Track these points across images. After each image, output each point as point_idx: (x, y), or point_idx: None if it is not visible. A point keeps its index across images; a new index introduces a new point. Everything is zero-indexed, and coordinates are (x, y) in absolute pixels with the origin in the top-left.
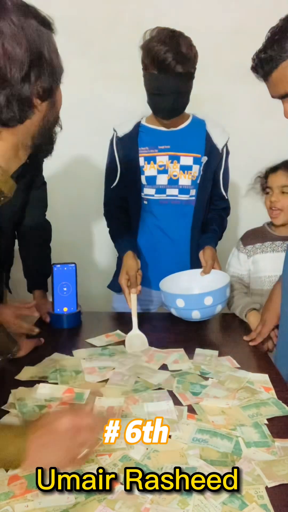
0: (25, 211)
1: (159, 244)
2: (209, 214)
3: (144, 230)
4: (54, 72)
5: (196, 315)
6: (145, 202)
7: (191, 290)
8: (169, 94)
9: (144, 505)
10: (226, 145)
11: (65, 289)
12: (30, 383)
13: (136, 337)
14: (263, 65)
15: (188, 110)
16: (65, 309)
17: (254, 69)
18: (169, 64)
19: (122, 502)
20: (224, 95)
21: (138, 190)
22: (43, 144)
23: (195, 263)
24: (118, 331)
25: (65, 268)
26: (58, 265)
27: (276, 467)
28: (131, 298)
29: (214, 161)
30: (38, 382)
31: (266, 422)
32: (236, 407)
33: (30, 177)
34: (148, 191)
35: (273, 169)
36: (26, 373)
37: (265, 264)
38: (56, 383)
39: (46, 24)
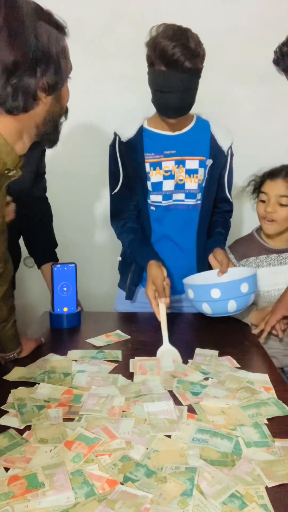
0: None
1: (164, 249)
2: (213, 217)
3: (149, 233)
4: (60, 70)
5: (232, 306)
6: (153, 208)
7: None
8: (176, 91)
9: (144, 505)
10: (230, 146)
11: (65, 289)
12: (30, 384)
13: (167, 352)
14: (285, 58)
15: (192, 110)
16: (65, 309)
17: (276, 61)
18: (177, 59)
19: (122, 502)
20: (224, 96)
21: (144, 196)
22: (47, 133)
23: (202, 269)
24: (118, 331)
25: (65, 268)
26: (58, 265)
27: (276, 467)
28: (160, 309)
29: (219, 164)
30: (25, 383)
31: (266, 422)
32: (236, 407)
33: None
34: (155, 198)
35: (271, 175)
36: (15, 374)
37: (262, 279)
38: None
39: (59, 27)
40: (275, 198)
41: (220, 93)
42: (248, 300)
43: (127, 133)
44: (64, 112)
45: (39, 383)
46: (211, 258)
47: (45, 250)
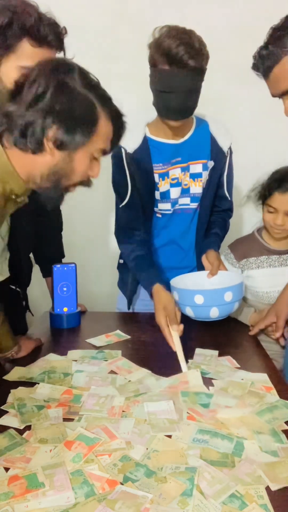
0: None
1: (168, 252)
2: (211, 217)
3: (156, 241)
4: (75, 131)
5: (214, 313)
6: (159, 215)
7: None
8: (179, 91)
9: (144, 505)
10: (230, 146)
11: (65, 289)
12: (30, 384)
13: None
14: (264, 61)
15: None
16: (65, 309)
17: (255, 66)
18: (181, 58)
19: (122, 502)
20: (224, 96)
21: (152, 205)
22: (47, 188)
23: (201, 268)
24: (118, 331)
25: (65, 268)
26: (58, 265)
27: (279, 469)
28: (174, 338)
29: (220, 164)
30: (25, 383)
31: (286, 427)
32: (252, 415)
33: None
34: (163, 206)
35: (281, 187)
36: (15, 374)
37: (262, 280)
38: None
39: (98, 96)
40: (283, 212)
41: (220, 93)
42: (232, 308)
43: (132, 144)
44: (77, 179)
45: (38, 383)
46: (203, 259)
47: (52, 261)
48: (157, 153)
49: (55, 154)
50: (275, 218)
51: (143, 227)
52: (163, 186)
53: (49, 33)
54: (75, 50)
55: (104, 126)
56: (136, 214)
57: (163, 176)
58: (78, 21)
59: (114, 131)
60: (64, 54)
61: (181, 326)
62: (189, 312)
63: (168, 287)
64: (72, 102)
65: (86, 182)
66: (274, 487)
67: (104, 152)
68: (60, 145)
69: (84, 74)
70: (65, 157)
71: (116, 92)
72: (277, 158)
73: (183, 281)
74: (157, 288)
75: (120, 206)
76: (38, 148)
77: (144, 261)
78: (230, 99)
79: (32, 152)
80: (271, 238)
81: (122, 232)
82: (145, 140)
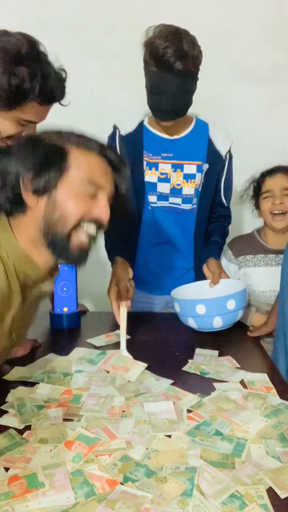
0: None
1: (162, 250)
2: (210, 225)
3: (148, 236)
4: (41, 174)
5: (217, 322)
6: (150, 207)
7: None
8: (167, 93)
9: (144, 505)
10: (229, 150)
11: (65, 289)
12: (30, 384)
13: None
14: None
15: (191, 110)
16: (65, 309)
17: None
18: (167, 59)
19: (122, 502)
20: (224, 96)
21: (142, 193)
22: (54, 241)
23: (199, 272)
24: (118, 331)
25: (65, 268)
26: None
27: (284, 476)
28: (121, 313)
29: (216, 168)
30: (25, 383)
31: None
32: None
33: None
34: (150, 198)
35: (270, 172)
36: (15, 373)
37: (259, 278)
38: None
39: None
40: (279, 192)
41: (220, 93)
42: (235, 317)
43: (127, 127)
44: (76, 220)
45: (38, 383)
46: (204, 268)
47: None
48: (149, 142)
49: (38, 203)
50: (273, 200)
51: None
52: (149, 176)
53: (56, 92)
54: (75, 50)
55: (81, 157)
56: None
57: (151, 166)
58: (78, 21)
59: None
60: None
61: (129, 302)
62: (192, 323)
63: (131, 262)
64: (34, 150)
65: (101, 224)
66: (283, 495)
67: (98, 186)
68: (35, 192)
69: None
70: (47, 201)
71: (117, 90)
72: (276, 158)
73: (185, 292)
74: (117, 260)
75: None
76: (22, 204)
77: (113, 234)
78: (229, 99)
79: (12, 213)
80: (269, 237)
81: None
82: (140, 127)
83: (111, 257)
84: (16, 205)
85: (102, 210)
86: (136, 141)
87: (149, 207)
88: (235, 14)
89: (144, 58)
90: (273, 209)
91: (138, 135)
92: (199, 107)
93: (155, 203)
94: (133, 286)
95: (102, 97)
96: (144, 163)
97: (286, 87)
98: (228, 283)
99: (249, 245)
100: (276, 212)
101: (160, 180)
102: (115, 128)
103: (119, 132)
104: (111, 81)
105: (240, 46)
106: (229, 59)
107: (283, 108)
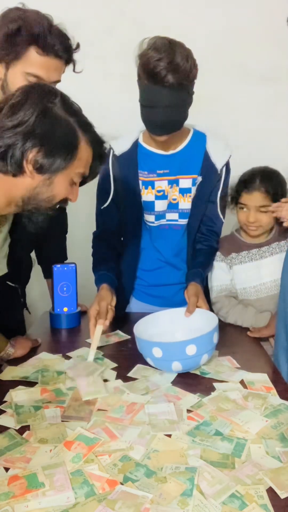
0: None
1: (163, 273)
2: (197, 245)
3: (144, 254)
4: (55, 155)
5: (176, 367)
6: (147, 227)
7: (171, 334)
8: (159, 106)
9: (144, 505)
10: (226, 163)
11: (65, 289)
12: (30, 384)
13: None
14: None
15: (189, 120)
16: (65, 309)
17: None
18: (159, 72)
19: (122, 502)
20: (224, 96)
21: (138, 213)
22: (30, 211)
23: None
24: (118, 331)
25: (65, 268)
26: (58, 265)
27: (284, 476)
28: (96, 330)
29: (210, 181)
30: (25, 383)
31: None
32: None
33: None
34: (148, 218)
35: (247, 188)
36: (8, 373)
37: (246, 274)
38: (36, 383)
39: (79, 122)
40: (254, 208)
41: (220, 93)
42: (198, 362)
43: (121, 147)
44: (54, 205)
45: (37, 383)
46: (185, 294)
47: (54, 263)
48: (144, 160)
49: (35, 177)
50: (247, 215)
51: (117, 236)
52: (146, 195)
53: (57, 43)
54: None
55: (84, 152)
56: (114, 221)
57: (147, 184)
58: (79, 20)
59: (94, 157)
60: (74, 67)
61: (107, 322)
62: (150, 363)
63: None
64: (53, 126)
65: (63, 202)
66: (284, 495)
67: (84, 177)
68: (39, 168)
69: (66, 101)
70: (45, 180)
71: (117, 91)
72: (276, 158)
73: (158, 319)
74: (102, 286)
75: (101, 208)
76: (18, 170)
77: (103, 262)
78: (229, 99)
79: (13, 175)
80: (248, 236)
81: (97, 237)
82: (135, 145)
83: (97, 280)
84: (11, 166)
85: (76, 197)
86: (131, 161)
87: (147, 227)
88: (235, 14)
89: (137, 71)
90: (247, 223)
91: (132, 154)
92: (199, 107)
93: (153, 222)
94: (113, 310)
95: (102, 97)
96: (140, 182)
97: (287, 86)
98: (202, 315)
99: (233, 244)
100: (250, 226)
101: (157, 198)
102: (109, 148)
103: (113, 152)
104: (111, 81)
105: (240, 45)
106: (229, 59)
107: (284, 107)
